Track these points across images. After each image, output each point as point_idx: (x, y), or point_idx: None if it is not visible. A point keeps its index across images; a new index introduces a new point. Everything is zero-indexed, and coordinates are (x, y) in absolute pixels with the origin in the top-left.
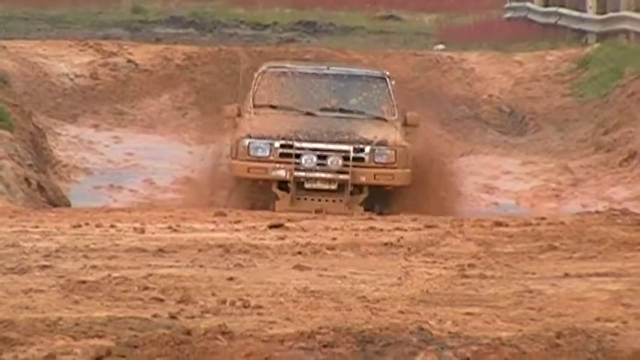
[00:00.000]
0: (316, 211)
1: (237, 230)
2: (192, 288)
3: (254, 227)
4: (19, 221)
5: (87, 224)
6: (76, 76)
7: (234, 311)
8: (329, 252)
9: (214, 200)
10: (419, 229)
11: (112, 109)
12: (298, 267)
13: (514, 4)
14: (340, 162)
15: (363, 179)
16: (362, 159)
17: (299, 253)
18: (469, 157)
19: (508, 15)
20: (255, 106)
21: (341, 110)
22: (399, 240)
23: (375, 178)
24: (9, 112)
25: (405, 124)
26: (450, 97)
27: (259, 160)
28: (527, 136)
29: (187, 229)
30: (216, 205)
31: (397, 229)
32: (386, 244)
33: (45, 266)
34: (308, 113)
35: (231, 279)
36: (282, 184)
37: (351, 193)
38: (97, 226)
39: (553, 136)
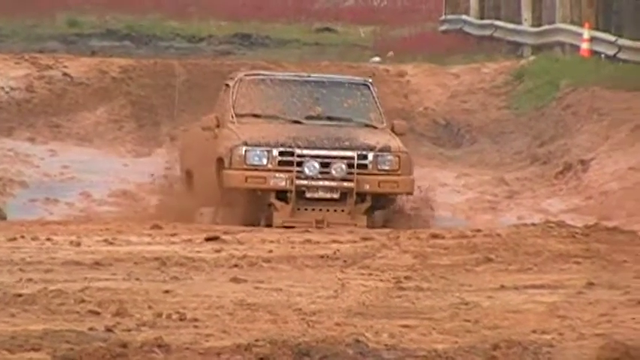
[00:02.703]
0: (317, 222)
1: (173, 243)
2: (129, 301)
3: (190, 240)
4: None
5: (23, 237)
6: (12, 89)
7: (171, 324)
8: (265, 265)
9: (197, 217)
10: (355, 242)
11: (47, 122)
12: (234, 280)
13: (449, 16)
14: (345, 169)
15: (367, 187)
16: (365, 166)
17: (235, 265)
18: None
19: (443, 27)
20: (237, 116)
21: (328, 118)
22: (335, 252)
23: (379, 186)
24: None
25: (392, 131)
26: (386, 109)
27: (257, 169)
28: (462, 148)
29: (123, 242)
30: (200, 223)
31: (333, 241)
32: (322, 256)
33: None
34: (295, 121)
35: (167, 292)
36: (281, 194)
37: (354, 202)
38: (33, 239)
39: (489, 149)
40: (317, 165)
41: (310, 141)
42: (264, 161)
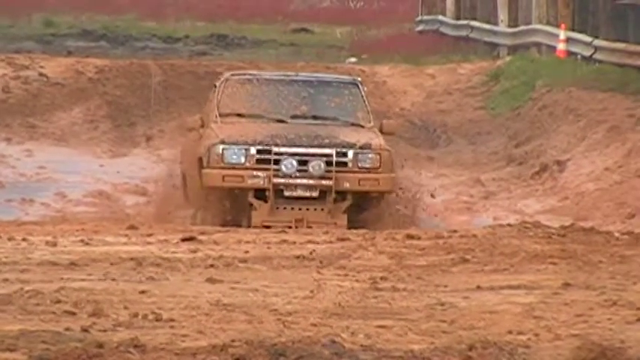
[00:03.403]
0: (296, 221)
1: (149, 243)
2: (105, 301)
3: (166, 240)
4: None
5: None
6: None
7: (147, 324)
8: (241, 265)
9: (176, 217)
10: (331, 242)
11: (23, 122)
12: (210, 280)
13: (426, 17)
14: (323, 166)
15: (347, 185)
16: (345, 164)
17: (211, 266)
18: None
19: (420, 28)
20: (221, 115)
21: (313, 117)
22: (311, 253)
23: (359, 184)
24: None
25: (380, 131)
26: None
27: (234, 167)
28: (439, 149)
29: (99, 243)
30: (179, 223)
31: (309, 241)
32: (298, 257)
33: None
34: (279, 120)
35: (143, 292)
36: (259, 193)
37: (334, 201)
38: (9, 239)
39: (465, 149)
40: (294, 163)
41: (288, 139)
42: (242, 159)
